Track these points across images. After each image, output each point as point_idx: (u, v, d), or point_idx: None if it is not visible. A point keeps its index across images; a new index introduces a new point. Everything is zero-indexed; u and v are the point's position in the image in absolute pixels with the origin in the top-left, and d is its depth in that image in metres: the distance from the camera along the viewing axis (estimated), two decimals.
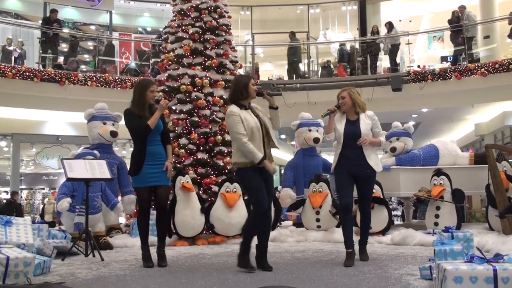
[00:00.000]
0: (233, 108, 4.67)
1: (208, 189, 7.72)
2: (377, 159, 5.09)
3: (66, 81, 12.37)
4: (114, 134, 7.85)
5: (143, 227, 5.16)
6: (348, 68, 14.90)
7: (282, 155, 23.68)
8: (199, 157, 7.87)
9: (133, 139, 5.11)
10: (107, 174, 5.99)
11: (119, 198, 7.94)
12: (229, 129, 4.71)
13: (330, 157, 5.47)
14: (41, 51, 13.55)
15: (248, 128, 4.57)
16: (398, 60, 14.57)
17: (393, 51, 14.36)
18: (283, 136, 21.97)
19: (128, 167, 5.35)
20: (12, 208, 12.46)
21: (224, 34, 8.78)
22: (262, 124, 4.71)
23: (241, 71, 9.35)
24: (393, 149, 8.26)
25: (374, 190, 7.10)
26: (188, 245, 6.98)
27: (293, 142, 21.67)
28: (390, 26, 14.54)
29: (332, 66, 15.74)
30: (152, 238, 7.04)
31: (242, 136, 4.55)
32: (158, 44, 12.73)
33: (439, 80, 12.83)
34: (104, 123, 7.92)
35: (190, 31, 8.54)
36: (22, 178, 17.39)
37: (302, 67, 16.13)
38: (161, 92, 8.46)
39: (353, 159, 4.99)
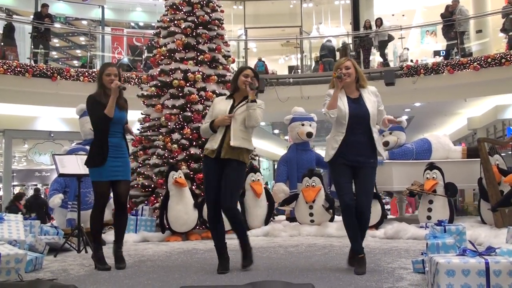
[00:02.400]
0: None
1: (201, 184, 7.69)
2: (382, 146, 4.32)
3: (58, 76, 12.30)
4: None
5: (99, 224, 4.77)
6: (333, 64, 14.83)
7: (275, 149, 23.72)
8: (192, 152, 7.84)
9: (94, 129, 4.73)
10: None
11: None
12: None
13: (323, 152, 4.85)
14: (32, 47, 13.45)
15: (214, 116, 4.42)
16: (390, 55, 14.60)
17: (382, 47, 14.39)
18: (276, 131, 21.98)
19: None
20: (41, 204, 12.51)
21: (216, 28, 8.76)
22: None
23: (233, 66, 9.33)
24: (386, 143, 8.27)
25: None
26: (181, 240, 6.97)
27: (286, 137, 21.68)
28: (380, 22, 14.56)
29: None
30: (146, 234, 7.08)
31: (203, 123, 4.53)
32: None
33: (432, 74, 12.85)
34: None
35: (183, 26, 8.51)
36: (14, 174, 17.30)
37: (295, 61, 16.12)
38: (153, 87, 8.44)
39: (358, 147, 4.12)
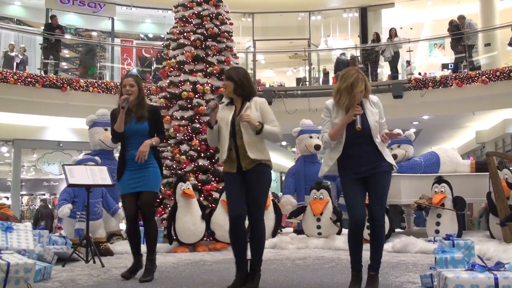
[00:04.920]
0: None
1: (209, 195, 7.71)
2: (390, 155, 3.96)
3: (68, 87, 12.39)
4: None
5: (129, 237, 4.76)
6: None
7: (283, 161, 23.71)
8: (200, 163, 7.87)
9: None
10: (108, 180, 5.99)
11: (120, 204, 7.94)
12: None
13: None
14: (43, 57, 13.59)
15: (218, 125, 4.18)
16: (399, 67, 14.61)
17: (394, 58, 14.40)
18: (283, 143, 21.96)
19: None
20: (50, 214, 12.76)
21: (225, 40, 8.81)
22: (233, 121, 4.12)
23: None
24: (394, 157, 8.18)
25: None
26: (189, 251, 6.98)
27: (294, 149, 21.65)
28: (395, 32, 14.55)
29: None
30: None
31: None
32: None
33: (440, 87, 12.83)
34: (106, 129, 7.93)
35: (192, 38, 8.57)
36: (23, 184, 17.38)
37: (303, 73, 16.15)
38: (162, 98, 8.49)
39: (362, 156, 3.83)
